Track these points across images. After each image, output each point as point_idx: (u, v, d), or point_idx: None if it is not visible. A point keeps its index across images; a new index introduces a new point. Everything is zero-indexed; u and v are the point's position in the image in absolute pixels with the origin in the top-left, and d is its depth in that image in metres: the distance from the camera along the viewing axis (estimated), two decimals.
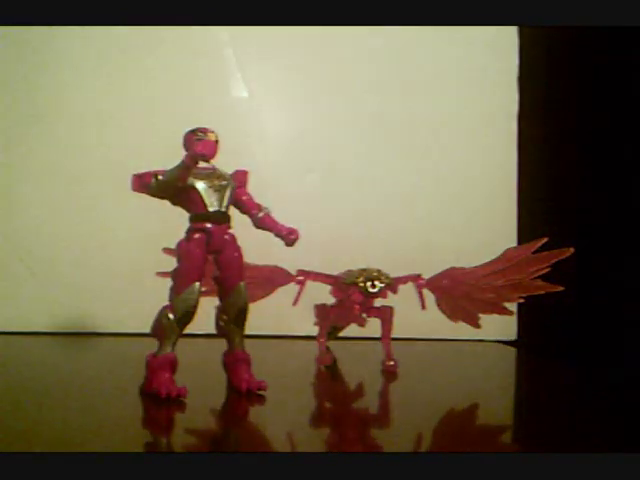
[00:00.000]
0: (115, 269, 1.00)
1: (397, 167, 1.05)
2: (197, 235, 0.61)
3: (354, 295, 0.75)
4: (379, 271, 0.76)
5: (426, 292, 0.77)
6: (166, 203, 0.62)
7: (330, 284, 0.79)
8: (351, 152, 1.05)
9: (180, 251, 0.61)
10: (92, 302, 1.00)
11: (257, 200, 0.66)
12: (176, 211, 0.62)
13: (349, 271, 0.77)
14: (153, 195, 0.61)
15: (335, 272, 0.78)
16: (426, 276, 0.78)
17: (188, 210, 0.62)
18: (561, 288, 0.73)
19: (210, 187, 0.61)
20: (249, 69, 1.04)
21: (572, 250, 0.72)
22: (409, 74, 1.06)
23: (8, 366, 0.78)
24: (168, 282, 0.61)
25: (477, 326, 0.78)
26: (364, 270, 0.76)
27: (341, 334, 0.85)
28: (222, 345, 0.65)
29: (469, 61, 1.07)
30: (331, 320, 0.80)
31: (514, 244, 0.97)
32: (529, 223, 1.03)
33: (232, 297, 0.63)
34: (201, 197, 0.61)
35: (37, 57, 1.01)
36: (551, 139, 1.04)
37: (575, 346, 0.96)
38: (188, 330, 0.61)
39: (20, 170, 1.01)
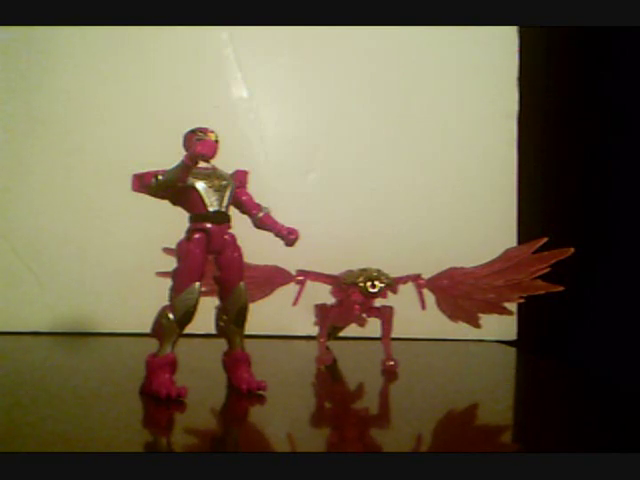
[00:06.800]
0: (115, 269, 1.00)
1: (397, 167, 1.05)
2: (197, 235, 0.61)
3: (354, 295, 0.75)
4: (379, 271, 0.76)
5: (426, 292, 0.77)
6: (166, 203, 0.62)
7: (330, 284, 0.79)
8: (351, 152, 1.05)
9: (180, 251, 0.61)
10: (92, 302, 1.00)
11: (257, 200, 0.66)
12: (176, 211, 0.62)
13: (349, 271, 0.77)
14: (153, 195, 0.61)
15: (335, 272, 0.78)
16: (426, 276, 0.78)
17: (188, 210, 0.62)
18: (561, 288, 0.73)
19: (210, 187, 0.61)
20: (249, 69, 1.04)
21: (572, 250, 0.72)
22: (409, 74, 1.06)
23: (8, 366, 0.78)
24: (168, 282, 0.61)
25: (477, 326, 0.78)
26: (364, 270, 0.76)
27: (341, 334, 0.85)
28: (222, 345, 0.65)
29: (469, 61, 1.07)
30: (331, 320, 0.80)
31: (514, 244, 0.97)
32: (529, 223, 1.03)
33: (232, 297, 0.63)
34: (201, 197, 0.61)
35: (37, 57, 1.01)
36: (551, 139, 1.04)
37: (575, 346, 0.96)
38: (188, 330, 0.61)
39: (20, 170, 1.01)
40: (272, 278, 0.78)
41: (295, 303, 0.77)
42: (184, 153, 0.59)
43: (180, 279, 0.60)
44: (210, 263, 0.62)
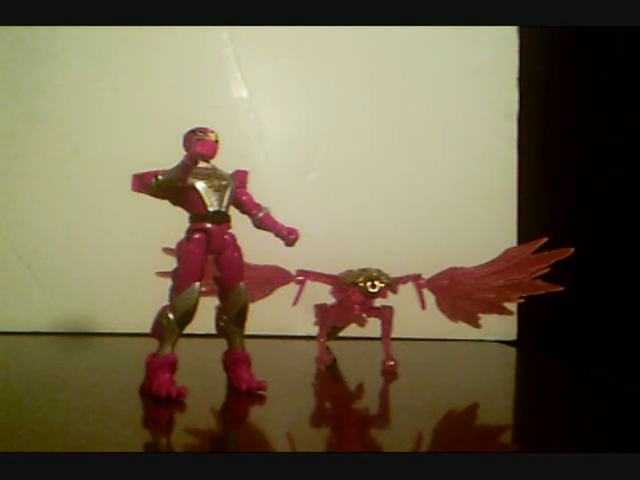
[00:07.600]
0: (115, 269, 1.00)
1: (397, 167, 1.05)
2: (197, 235, 0.61)
3: (354, 295, 0.75)
4: (379, 271, 0.76)
5: (426, 292, 0.77)
6: (166, 203, 0.63)
7: (330, 284, 0.79)
8: (351, 152, 1.05)
9: (180, 251, 0.61)
10: (92, 302, 1.00)
11: (257, 200, 0.66)
12: (176, 211, 0.62)
13: (349, 271, 0.77)
14: (153, 195, 0.61)
15: (335, 272, 0.78)
16: (426, 276, 0.78)
17: (188, 210, 0.62)
18: (561, 288, 0.73)
19: (210, 187, 0.61)
20: (249, 69, 1.04)
21: (572, 250, 0.72)
22: (409, 74, 1.06)
23: (8, 366, 0.78)
24: (168, 282, 0.61)
25: (477, 326, 0.78)
26: (364, 270, 0.76)
27: (341, 334, 0.85)
28: (222, 345, 0.65)
29: (469, 61, 1.07)
30: (331, 320, 0.80)
31: (514, 244, 0.97)
32: (529, 223, 1.03)
33: (232, 297, 0.63)
34: (201, 197, 0.61)
35: (37, 57, 1.01)
36: (551, 139, 1.04)
37: (575, 346, 0.96)
38: (188, 330, 0.61)
39: (20, 170, 1.01)
40: (272, 278, 0.78)
41: (295, 303, 0.77)
42: (184, 153, 0.59)
43: (180, 279, 0.60)
44: (210, 263, 0.62)
